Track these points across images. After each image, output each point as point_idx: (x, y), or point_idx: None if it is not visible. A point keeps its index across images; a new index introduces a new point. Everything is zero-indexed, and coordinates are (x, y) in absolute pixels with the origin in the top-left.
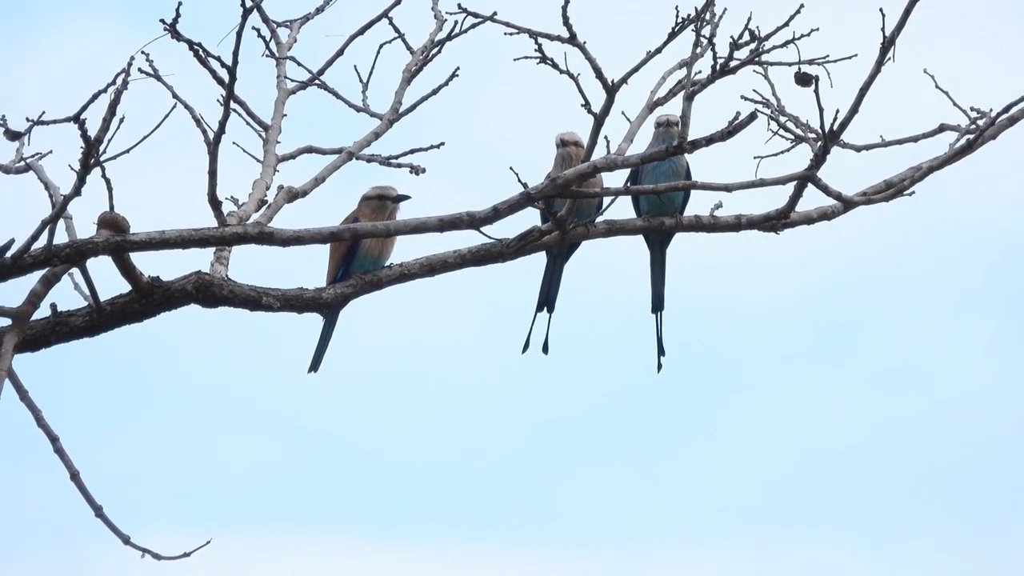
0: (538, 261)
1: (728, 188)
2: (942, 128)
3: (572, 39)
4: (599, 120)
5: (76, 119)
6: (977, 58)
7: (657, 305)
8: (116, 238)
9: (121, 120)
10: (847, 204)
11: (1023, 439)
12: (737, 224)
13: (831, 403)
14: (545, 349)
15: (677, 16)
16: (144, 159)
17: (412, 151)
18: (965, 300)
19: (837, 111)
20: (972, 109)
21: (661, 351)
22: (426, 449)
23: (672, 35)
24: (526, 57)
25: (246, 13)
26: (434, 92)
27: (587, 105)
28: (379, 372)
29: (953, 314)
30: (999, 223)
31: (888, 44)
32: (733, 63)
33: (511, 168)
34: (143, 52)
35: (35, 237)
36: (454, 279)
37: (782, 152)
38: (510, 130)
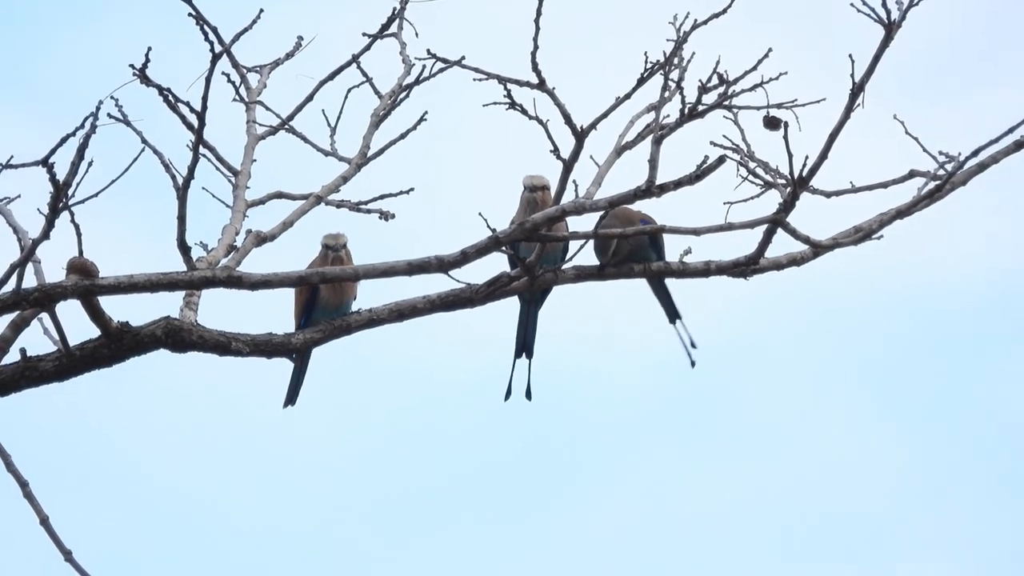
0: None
1: (697, 232)
2: (912, 174)
3: (541, 85)
4: (568, 166)
5: (45, 163)
6: (947, 103)
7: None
8: (85, 282)
9: (90, 164)
10: (816, 248)
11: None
12: (707, 270)
13: (697, 467)
14: (528, 395)
15: (646, 61)
16: (113, 203)
17: (381, 196)
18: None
19: (806, 157)
20: (941, 153)
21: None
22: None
23: (641, 80)
24: (495, 103)
25: (215, 58)
26: (402, 136)
27: (556, 151)
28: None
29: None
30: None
31: (857, 90)
32: (701, 107)
33: (480, 214)
34: (112, 97)
35: (3, 281)
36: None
37: (751, 198)
38: (479, 174)
